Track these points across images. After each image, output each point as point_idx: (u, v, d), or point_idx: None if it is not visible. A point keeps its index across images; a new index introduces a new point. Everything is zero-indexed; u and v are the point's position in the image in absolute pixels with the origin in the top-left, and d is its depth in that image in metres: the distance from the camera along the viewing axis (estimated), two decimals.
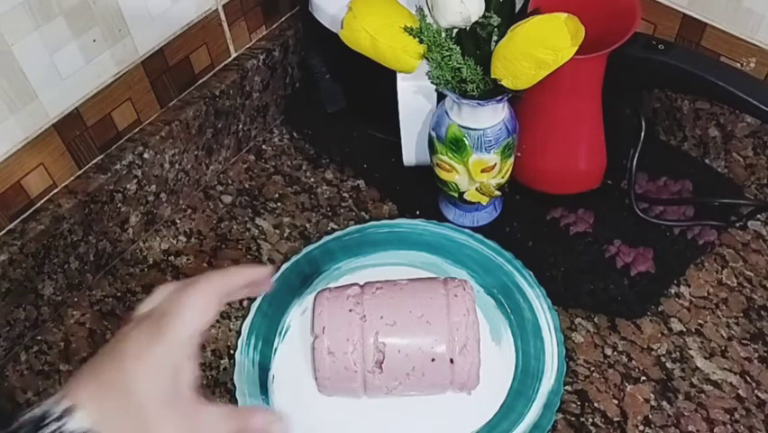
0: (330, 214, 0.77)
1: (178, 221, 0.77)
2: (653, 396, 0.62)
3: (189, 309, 0.44)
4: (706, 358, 0.64)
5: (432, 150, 0.66)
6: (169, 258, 0.74)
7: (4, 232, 0.65)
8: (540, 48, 0.53)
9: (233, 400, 0.60)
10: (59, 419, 0.40)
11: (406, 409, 0.60)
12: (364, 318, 0.56)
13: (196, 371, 0.44)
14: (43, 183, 0.66)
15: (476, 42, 0.57)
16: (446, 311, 0.57)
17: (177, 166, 0.75)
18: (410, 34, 0.58)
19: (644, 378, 0.63)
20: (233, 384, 0.61)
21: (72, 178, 0.68)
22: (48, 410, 0.40)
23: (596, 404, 0.62)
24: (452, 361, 0.56)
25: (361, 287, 0.59)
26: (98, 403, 0.41)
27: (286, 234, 0.75)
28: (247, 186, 0.80)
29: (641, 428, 0.61)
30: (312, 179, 0.80)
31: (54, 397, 0.41)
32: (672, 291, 0.68)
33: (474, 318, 0.57)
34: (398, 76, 0.65)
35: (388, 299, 0.57)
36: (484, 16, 0.57)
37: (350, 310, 0.56)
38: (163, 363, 0.42)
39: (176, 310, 0.44)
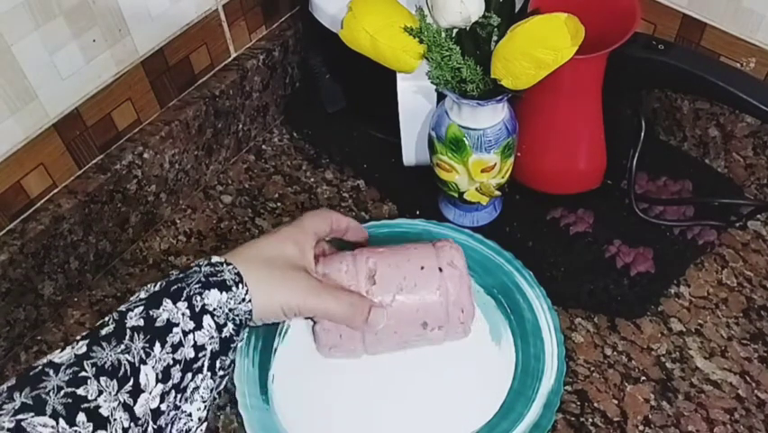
0: None
1: (178, 221, 0.77)
2: (653, 396, 0.62)
3: (310, 215, 0.60)
4: (706, 358, 0.64)
5: (432, 150, 0.66)
6: (169, 258, 0.74)
7: (4, 232, 0.65)
8: (540, 48, 0.53)
9: (233, 401, 0.60)
10: (204, 260, 0.53)
11: (407, 408, 0.60)
12: (354, 255, 0.60)
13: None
14: (43, 183, 0.66)
15: (476, 42, 0.57)
16: (431, 244, 0.61)
17: (177, 166, 0.75)
18: (410, 34, 0.58)
19: (644, 378, 0.63)
20: (233, 384, 0.61)
21: (72, 178, 0.68)
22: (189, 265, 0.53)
23: (596, 404, 0.62)
24: (440, 270, 0.58)
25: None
26: (234, 254, 0.54)
27: None
28: (247, 186, 0.80)
29: (641, 428, 0.61)
30: (312, 179, 0.80)
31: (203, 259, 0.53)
32: (672, 291, 0.68)
33: (458, 247, 0.60)
34: (398, 76, 0.65)
35: (384, 249, 0.61)
36: (484, 16, 0.57)
37: (341, 250, 0.61)
38: (288, 237, 0.56)
39: (307, 214, 0.60)
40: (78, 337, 0.47)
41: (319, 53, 0.78)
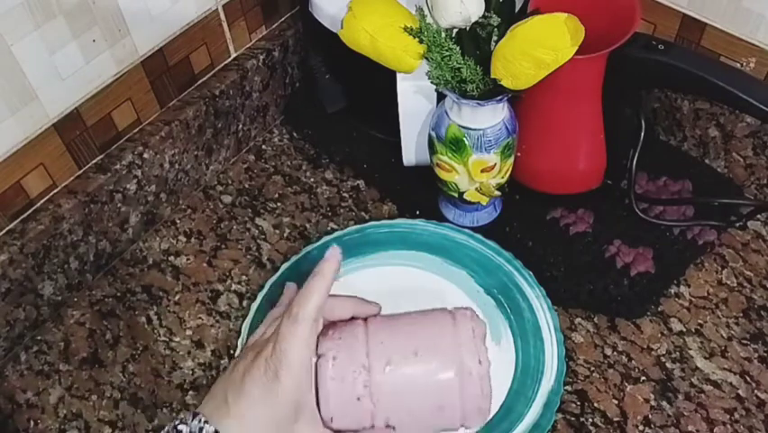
0: (330, 214, 0.77)
1: (178, 221, 0.77)
2: (652, 396, 0.62)
3: (300, 351, 0.50)
4: (706, 358, 0.64)
5: (432, 150, 0.66)
6: (169, 258, 0.74)
7: (4, 232, 0.65)
8: (540, 48, 0.53)
9: None
10: None
11: None
12: (374, 406, 0.51)
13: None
14: (43, 183, 0.66)
15: (476, 42, 0.57)
16: (459, 394, 0.52)
17: (177, 166, 0.75)
18: (410, 34, 0.58)
19: (643, 378, 0.63)
20: None
21: (72, 178, 0.68)
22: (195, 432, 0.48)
23: (596, 404, 0.62)
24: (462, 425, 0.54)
25: (368, 356, 0.52)
26: None
27: (286, 234, 0.75)
28: (247, 186, 0.80)
29: (641, 428, 0.61)
30: (312, 179, 0.80)
31: (195, 418, 0.48)
32: (672, 291, 0.68)
33: (489, 392, 0.52)
34: (398, 76, 0.65)
35: (401, 385, 0.52)
36: (484, 16, 0.57)
37: (358, 399, 0.51)
38: (283, 408, 0.49)
39: (290, 354, 0.49)
40: None
41: (319, 53, 0.78)
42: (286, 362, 0.49)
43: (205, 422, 0.48)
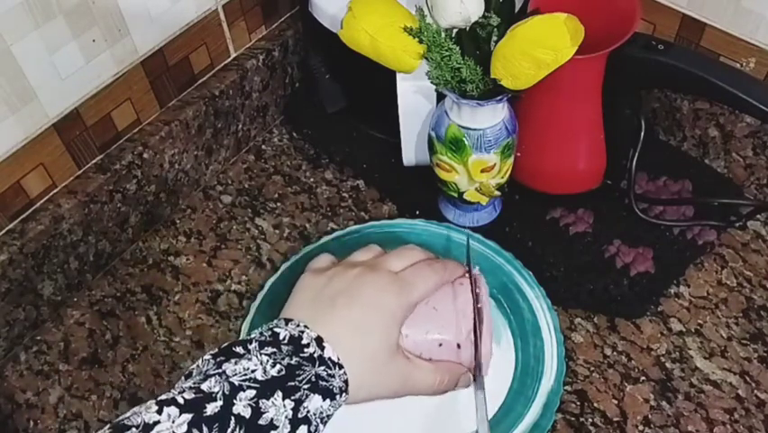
0: (330, 214, 0.77)
1: (177, 221, 0.77)
2: (652, 396, 0.62)
3: (428, 289, 0.56)
4: (705, 358, 0.64)
5: (431, 150, 0.66)
6: (169, 258, 0.74)
7: (3, 232, 0.65)
8: (540, 48, 0.53)
9: None
10: (315, 345, 0.49)
11: (406, 409, 0.60)
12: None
13: None
14: (43, 183, 0.66)
15: (476, 42, 0.57)
16: (452, 298, 0.57)
17: (176, 166, 0.75)
18: (410, 34, 0.58)
19: (643, 378, 0.63)
20: None
21: (72, 178, 0.68)
22: (296, 335, 0.49)
23: (595, 404, 0.62)
24: (458, 346, 0.56)
25: None
26: (340, 341, 0.50)
27: (285, 234, 0.75)
28: (247, 186, 0.80)
29: (641, 428, 0.61)
30: (312, 179, 0.80)
31: (290, 323, 0.50)
32: (672, 291, 0.68)
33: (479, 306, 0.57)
34: (398, 76, 0.65)
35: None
36: (484, 16, 0.57)
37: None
38: (396, 320, 0.53)
39: (420, 285, 0.55)
40: (181, 399, 0.43)
41: (319, 53, 0.78)
42: (412, 288, 0.54)
43: (305, 326, 0.49)
